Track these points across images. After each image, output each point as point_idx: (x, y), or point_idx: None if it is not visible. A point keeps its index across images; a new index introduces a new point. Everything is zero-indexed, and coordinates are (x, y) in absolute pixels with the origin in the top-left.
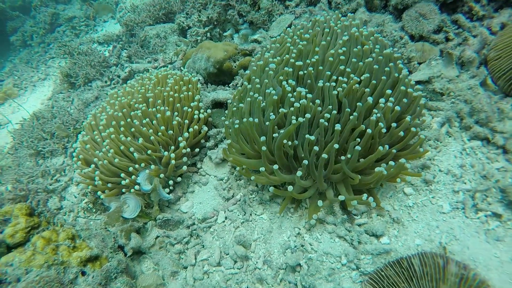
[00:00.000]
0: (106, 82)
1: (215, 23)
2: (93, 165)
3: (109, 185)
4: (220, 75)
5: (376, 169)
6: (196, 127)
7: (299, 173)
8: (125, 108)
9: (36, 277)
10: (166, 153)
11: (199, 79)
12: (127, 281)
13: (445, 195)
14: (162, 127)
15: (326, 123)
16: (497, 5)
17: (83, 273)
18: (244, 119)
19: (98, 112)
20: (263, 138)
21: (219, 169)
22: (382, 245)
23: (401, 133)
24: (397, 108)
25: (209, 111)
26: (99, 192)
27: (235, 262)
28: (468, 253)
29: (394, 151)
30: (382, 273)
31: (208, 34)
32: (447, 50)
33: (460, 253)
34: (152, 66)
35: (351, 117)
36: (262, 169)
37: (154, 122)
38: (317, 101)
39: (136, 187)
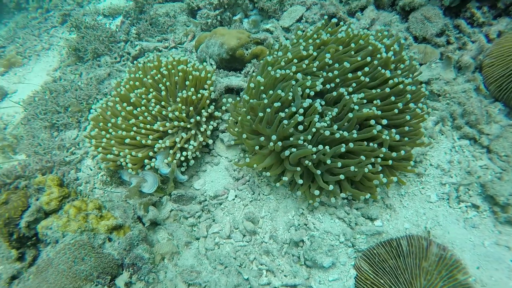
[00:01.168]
0: (115, 58)
1: (226, 6)
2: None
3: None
4: (232, 62)
5: (374, 181)
6: (201, 138)
7: (331, 187)
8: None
9: (71, 240)
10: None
11: (213, 74)
12: (147, 248)
13: (434, 186)
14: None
15: (343, 149)
16: (496, 12)
17: (109, 239)
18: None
19: (108, 103)
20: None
21: (230, 151)
22: (376, 227)
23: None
24: (397, 137)
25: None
26: (129, 170)
27: (244, 236)
28: (448, 237)
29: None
30: (374, 251)
31: (218, 17)
32: (447, 54)
33: (442, 236)
34: (163, 46)
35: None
36: (285, 178)
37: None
38: (335, 127)
39: (156, 167)
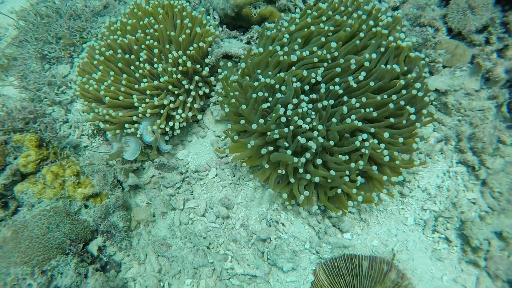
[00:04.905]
0: None
1: None
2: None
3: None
4: (237, 19)
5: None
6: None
7: (302, 197)
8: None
9: (47, 206)
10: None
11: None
12: (123, 215)
13: (414, 210)
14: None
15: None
16: None
17: (86, 206)
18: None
19: (97, 49)
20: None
21: (218, 126)
22: (344, 240)
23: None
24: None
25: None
26: (107, 133)
27: (217, 217)
28: (411, 264)
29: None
30: (335, 263)
31: None
32: (477, 61)
33: (405, 262)
34: None
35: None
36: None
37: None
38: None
39: (138, 132)
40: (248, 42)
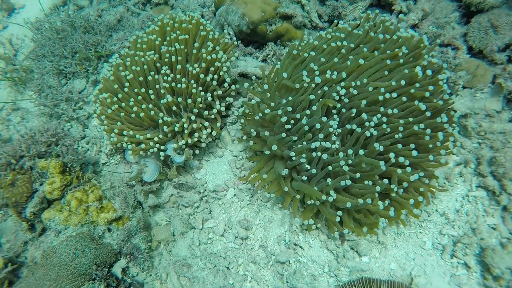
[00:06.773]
0: None
1: None
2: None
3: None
4: (252, 36)
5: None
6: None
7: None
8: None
9: (73, 232)
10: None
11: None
12: (145, 236)
13: (432, 233)
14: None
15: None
16: None
17: (109, 230)
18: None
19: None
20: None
21: (236, 146)
22: (362, 264)
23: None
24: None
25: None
26: (129, 152)
27: (236, 238)
28: None
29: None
30: (354, 287)
31: None
32: (499, 81)
33: (423, 286)
34: None
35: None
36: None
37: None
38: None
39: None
40: (264, 60)
